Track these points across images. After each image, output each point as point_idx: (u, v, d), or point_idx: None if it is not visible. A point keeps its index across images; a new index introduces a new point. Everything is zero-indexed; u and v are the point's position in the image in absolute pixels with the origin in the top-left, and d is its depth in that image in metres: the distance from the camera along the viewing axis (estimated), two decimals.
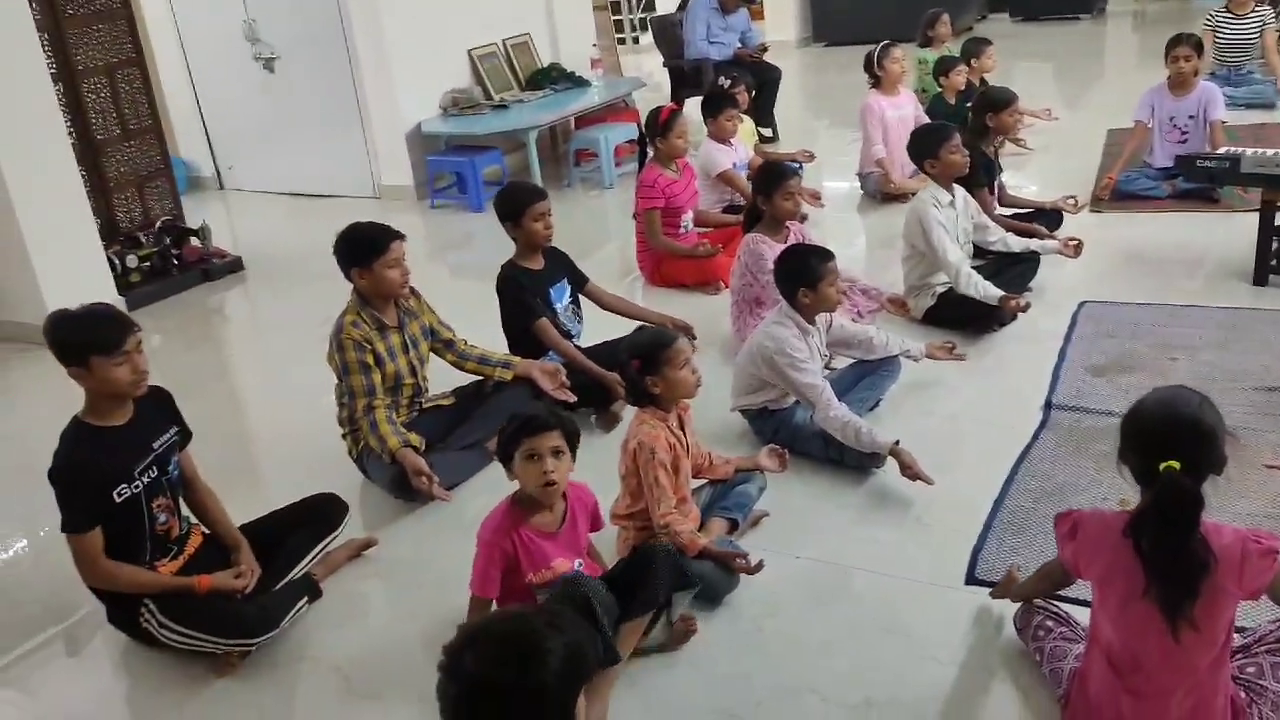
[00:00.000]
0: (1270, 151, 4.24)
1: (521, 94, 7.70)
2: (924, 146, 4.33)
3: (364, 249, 3.28)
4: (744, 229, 4.24)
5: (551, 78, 7.89)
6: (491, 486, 3.47)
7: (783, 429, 3.44)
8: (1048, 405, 3.61)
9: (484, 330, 3.91)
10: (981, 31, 11.94)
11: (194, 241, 6.07)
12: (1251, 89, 7.10)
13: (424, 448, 3.34)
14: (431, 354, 3.61)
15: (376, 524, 3.33)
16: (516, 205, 3.79)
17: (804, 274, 3.33)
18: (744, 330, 4.08)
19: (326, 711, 2.57)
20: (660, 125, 4.99)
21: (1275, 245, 4.36)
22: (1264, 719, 2.05)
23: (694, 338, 4.07)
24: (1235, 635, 2.18)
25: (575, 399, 3.56)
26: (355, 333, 3.26)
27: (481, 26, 7.60)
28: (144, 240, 5.84)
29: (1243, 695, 2.05)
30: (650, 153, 5.14)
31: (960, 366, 3.80)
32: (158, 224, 5.98)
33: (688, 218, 5.16)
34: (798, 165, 6.27)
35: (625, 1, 13.64)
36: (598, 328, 4.06)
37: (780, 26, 12.53)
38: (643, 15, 12.95)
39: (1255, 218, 4.37)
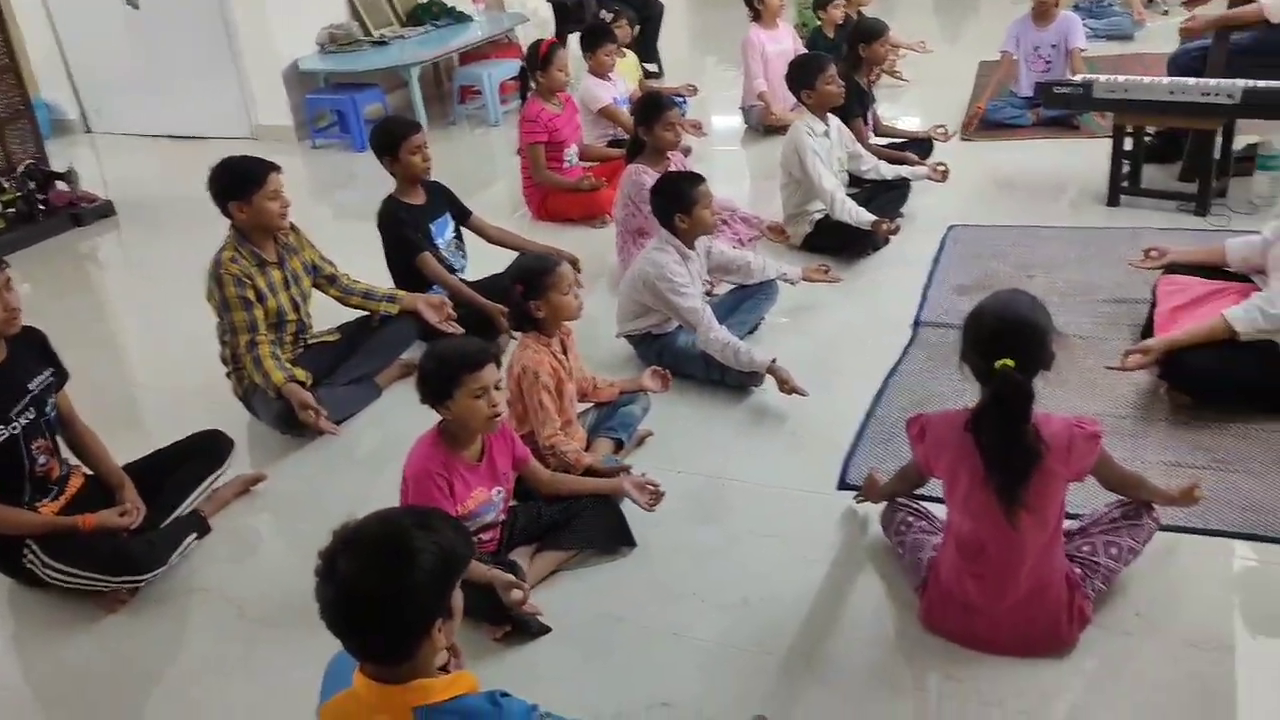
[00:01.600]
0: (1121, 78, 4.46)
1: (402, 30, 7.55)
2: (801, 77, 4.44)
3: (241, 181, 3.23)
4: (626, 161, 4.29)
5: (433, 13, 7.75)
6: (381, 420, 3.53)
7: (666, 352, 3.54)
8: (916, 323, 3.79)
9: (371, 270, 3.89)
10: None
11: (61, 186, 5.84)
12: (1110, 21, 7.41)
13: (310, 383, 3.34)
14: (315, 290, 3.59)
15: (265, 460, 3.34)
16: (392, 138, 3.77)
17: (678, 199, 3.41)
18: (629, 260, 4.15)
19: (220, 639, 2.60)
20: (540, 59, 4.99)
21: (1126, 168, 4.62)
22: (1096, 590, 2.26)
23: (579, 269, 4.14)
24: (1073, 520, 2.39)
25: (462, 331, 3.59)
26: (234, 268, 3.23)
27: None
28: (6, 185, 5.59)
29: (1078, 571, 2.25)
30: (532, 87, 5.13)
31: (836, 289, 3.96)
32: (20, 168, 5.72)
33: (572, 152, 5.18)
34: (682, 99, 6.36)
35: None
36: (485, 262, 4.08)
37: None
38: None
39: (1110, 142, 4.62)
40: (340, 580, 1.48)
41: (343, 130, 7.01)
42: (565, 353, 2.99)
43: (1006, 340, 2.05)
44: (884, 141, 5.36)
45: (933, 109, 6.25)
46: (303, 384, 3.28)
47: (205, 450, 3.04)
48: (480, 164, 6.63)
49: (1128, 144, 4.56)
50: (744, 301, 3.78)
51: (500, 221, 4.55)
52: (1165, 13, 7.98)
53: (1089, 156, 5.09)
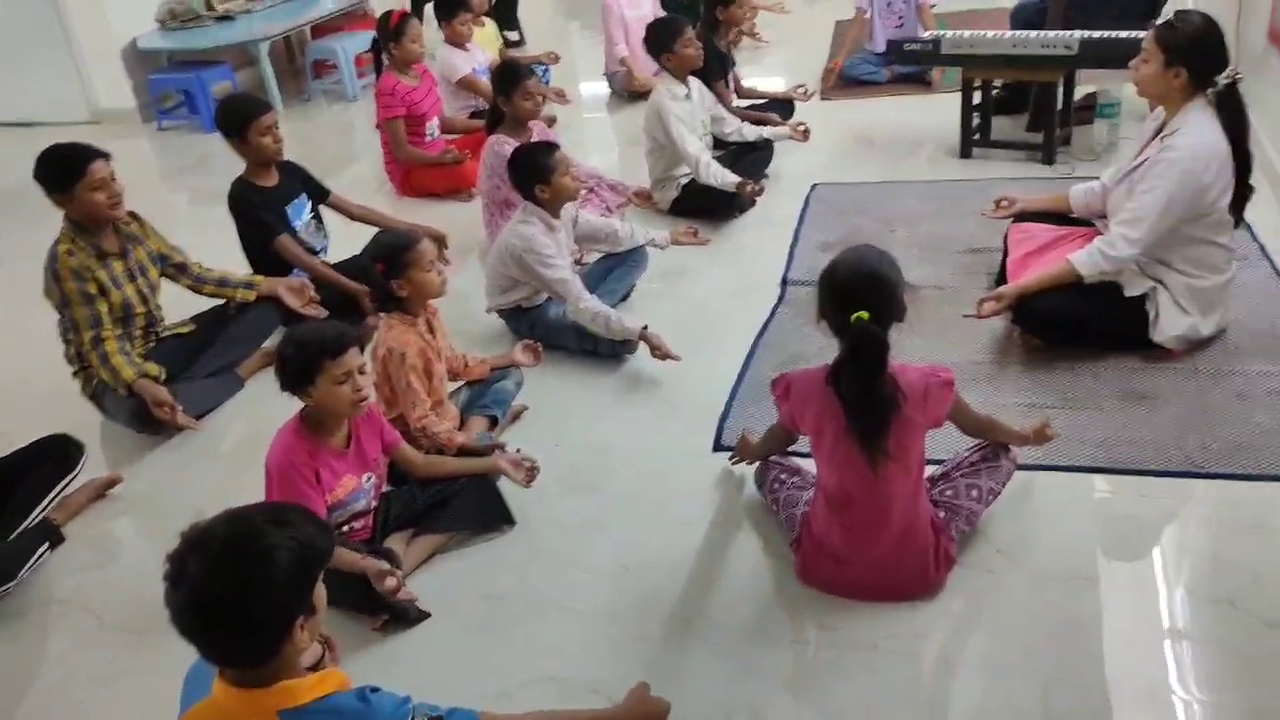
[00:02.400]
0: (968, 34, 4.59)
1: (249, 4, 7.22)
2: (659, 41, 4.42)
3: (61, 173, 3.03)
4: (487, 131, 4.22)
5: None
6: (244, 412, 3.40)
7: (537, 325, 3.50)
8: (784, 282, 3.85)
9: (232, 255, 3.75)
10: None
11: None
12: None
13: (165, 377, 3.19)
14: (167, 280, 3.43)
15: (121, 461, 3.18)
16: (239, 119, 3.60)
17: (535, 170, 3.36)
18: (496, 232, 4.08)
19: (80, 651, 2.47)
20: (391, 31, 4.84)
21: (976, 120, 4.77)
22: (960, 531, 2.34)
23: (446, 246, 4.06)
24: (935, 465, 2.47)
25: (325, 314, 3.48)
26: (71, 261, 3.05)
27: None
28: None
29: (942, 515, 2.32)
30: (386, 60, 4.98)
31: (705, 252, 3.98)
32: None
33: (433, 125, 5.06)
34: (544, 67, 6.27)
35: None
36: (350, 241, 3.95)
37: None
38: None
39: (959, 96, 4.74)
40: (190, 583, 1.41)
41: (191, 111, 6.69)
42: (433, 332, 2.92)
43: (859, 293, 2.09)
44: (746, 103, 5.40)
45: (793, 69, 6.33)
46: (156, 379, 3.13)
47: (53, 455, 2.88)
48: (340, 140, 6.42)
49: (976, 98, 4.70)
50: (614, 270, 3.77)
51: (365, 199, 4.42)
52: None
53: (942, 111, 5.21)
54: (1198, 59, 2.87)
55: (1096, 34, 4.28)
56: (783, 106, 5.36)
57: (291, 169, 3.86)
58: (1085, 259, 2.99)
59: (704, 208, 4.39)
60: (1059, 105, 4.57)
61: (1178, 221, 2.91)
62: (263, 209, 3.67)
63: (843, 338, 2.11)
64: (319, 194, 3.96)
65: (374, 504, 2.56)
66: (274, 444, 2.38)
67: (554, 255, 3.39)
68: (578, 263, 3.75)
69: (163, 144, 6.54)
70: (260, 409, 3.32)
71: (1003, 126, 4.93)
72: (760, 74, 6.30)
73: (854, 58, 5.92)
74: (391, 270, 2.78)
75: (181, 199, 5.76)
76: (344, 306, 3.58)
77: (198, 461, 3.17)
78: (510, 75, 4.07)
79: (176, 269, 3.43)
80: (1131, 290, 3.03)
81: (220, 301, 3.54)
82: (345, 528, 2.48)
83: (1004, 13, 6.69)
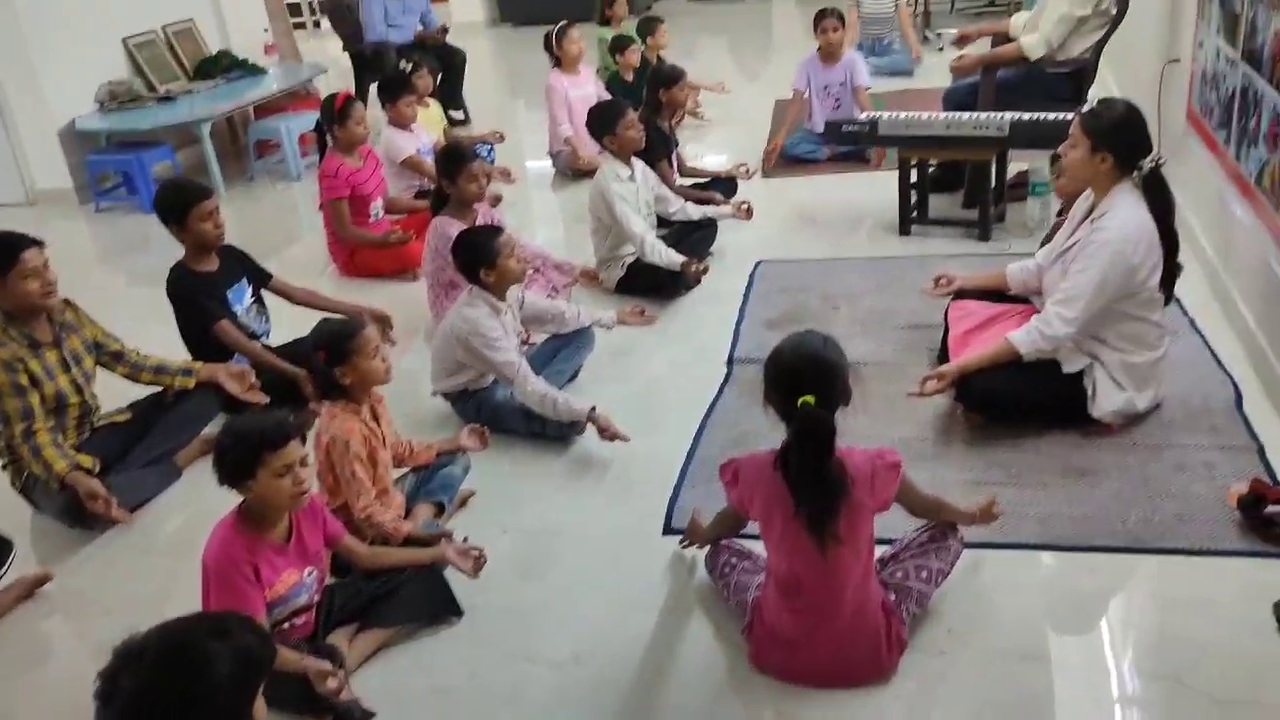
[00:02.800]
0: (903, 115, 4.73)
1: (190, 84, 7.22)
2: (602, 124, 4.49)
3: None
4: (432, 213, 4.23)
5: (223, 66, 7.45)
6: (182, 503, 3.31)
7: (484, 408, 3.48)
8: (730, 360, 3.87)
9: (169, 339, 3.68)
10: (659, 10, 12.43)
11: None
12: (891, 59, 7.87)
13: (99, 469, 3.10)
14: (102, 369, 3.36)
15: (51, 558, 3.07)
16: (179, 206, 3.57)
17: (480, 254, 3.36)
18: (442, 313, 4.06)
19: None
20: (336, 113, 4.86)
21: (914, 198, 4.89)
22: (911, 614, 2.34)
23: (391, 328, 4.04)
24: (884, 546, 2.47)
25: (267, 400, 3.42)
26: (3, 352, 2.97)
27: (136, 13, 7.05)
28: None
29: (892, 597, 2.32)
30: (330, 142, 4.99)
31: (653, 331, 4.00)
32: None
33: (377, 205, 5.06)
34: (488, 146, 6.34)
35: None
36: (293, 324, 3.91)
37: (467, 8, 12.49)
38: None
39: (897, 175, 4.85)
40: (123, 699, 1.35)
41: (129, 191, 6.62)
42: (377, 419, 2.88)
43: (805, 378, 2.11)
44: (689, 182, 5.49)
45: (734, 147, 6.46)
46: (89, 471, 3.04)
47: None
48: (283, 220, 6.39)
49: (914, 175, 4.82)
50: (561, 350, 3.76)
51: (308, 280, 4.39)
52: (940, 50, 8.53)
53: (881, 188, 5.33)
54: (1122, 144, 2.98)
55: (1026, 116, 4.43)
56: (725, 185, 5.47)
57: (232, 253, 3.83)
58: (1024, 337, 3.05)
59: (650, 286, 4.42)
60: (992, 184, 4.71)
61: (1110, 300, 3.00)
62: (202, 295, 3.62)
63: (789, 423, 2.12)
64: (260, 278, 3.92)
65: (316, 599, 2.49)
66: (211, 540, 2.31)
67: (500, 338, 3.38)
68: (524, 343, 3.74)
69: (100, 225, 6.45)
70: (198, 499, 3.23)
71: (939, 204, 5.06)
72: (701, 151, 6.43)
73: (794, 136, 6.06)
74: (334, 358, 2.75)
75: (119, 281, 5.67)
76: (285, 392, 3.53)
77: (133, 556, 3.07)
78: (454, 158, 4.10)
79: (112, 357, 3.36)
80: (1069, 367, 3.10)
81: (158, 389, 3.46)
82: (286, 624, 2.41)
83: (934, 92, 6.95)
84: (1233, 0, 3.72)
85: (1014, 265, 3.51)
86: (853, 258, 4.68)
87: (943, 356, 3.51)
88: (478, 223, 4.13)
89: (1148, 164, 2.98)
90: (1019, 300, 3.46)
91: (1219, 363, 3.44)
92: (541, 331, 3.83)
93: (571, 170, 6.26)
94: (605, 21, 7.50)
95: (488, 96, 8.99)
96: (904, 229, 4.85)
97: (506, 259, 3.37)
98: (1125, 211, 2.97)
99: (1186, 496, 2.80)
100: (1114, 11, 4.67)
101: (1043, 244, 3.61)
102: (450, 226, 4.02)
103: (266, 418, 2.40)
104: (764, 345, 3.92)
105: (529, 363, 3.43)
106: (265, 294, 3.95)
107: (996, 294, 3.51)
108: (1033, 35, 4.73)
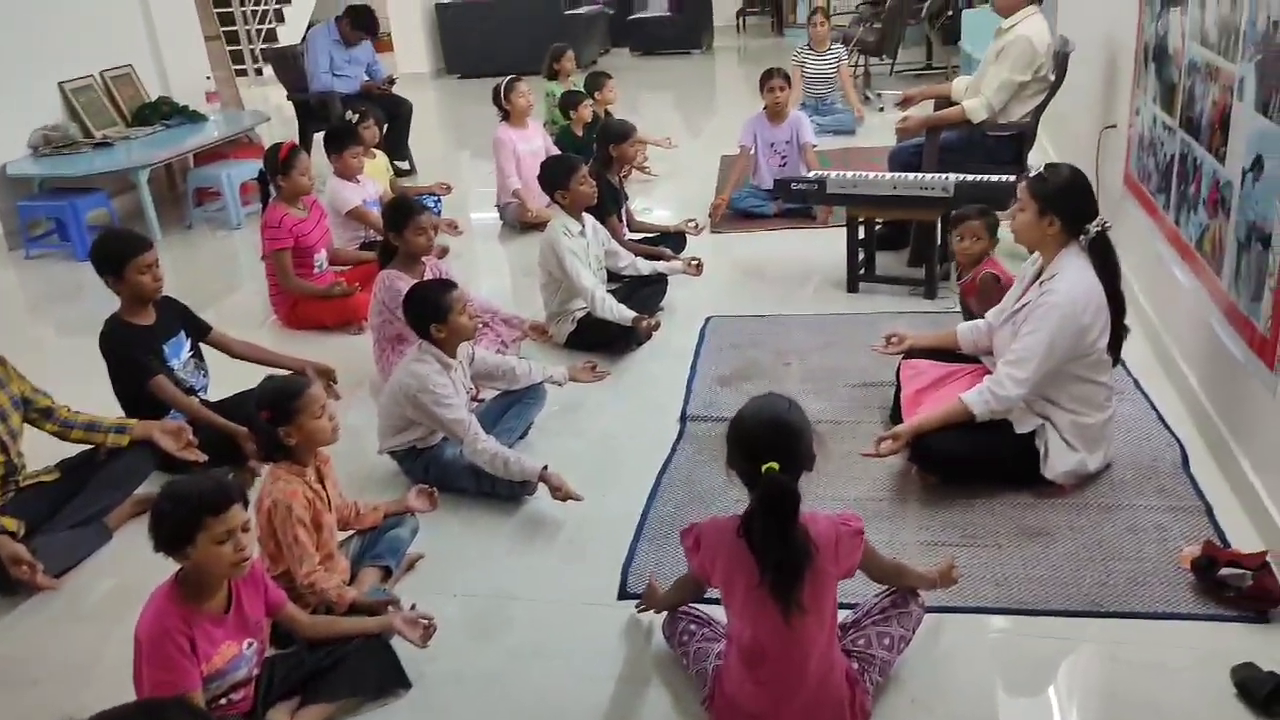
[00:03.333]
0: (850, 174, 4.79)
1: (128, 130, 7.08)
2: (554, 178, 4.47)
3: None
4: (379, 265, 4.16)
5: (162, 112, 7.33)
6: (112, 567, 3.17)
7: (433, 466, 3.39)
8: (683, 417, 3.84)
9: (103, 395, 3.55)
10: (605, 64, 12.59)
11: None
12: (835, 117, 8.01)
13: (24, 532, 2.95)
14: (30, 425, 3.21)
15: None
16: (116, 258, 3.45)
17: (430, 310, 3.30)
18: (388, 369, 3.99)
19: None
20: (280, 163, 4.78)
21: (861, 255, 4.94)
22: (874, 683, 2.30)
23: (335, 381, 3.94)
24: (847, 610, 2.44)
25: (205, 458, 3.30)
26: None
27: (73, 57, 6.92)
28: None
29: (855, 667, 2.28)
30: (273, 192, 4.90)
31: (604, 387, 3.95)
32: None
33: (321, 257, 4.98)
34: (436, 198, 6.29)
35: (244, 32, 12.95)
36: (234, 378, 3.79)
37: (413, 59, 12.50)
38: (264, 46, 12.36)
39: (845, 232, 4.90)
40: None
41: (62, 238, 6.44)
42: (322, 481, 2.79)
43: (768, 443, 2.07)
44: (639, 236, 5.50)
45: (682, 202, 6.50)
46: (13, 534, 2.89)
47: None
48: (224, 270, 6.25)
49: (861, 233, 4.87)
50: (511, 407, 3.70)
51: (249, 331, 4.28)
52: (881, 110, 8.73)
53: (828, 245, 5.39)
54: (1069, 208, 3.03)
55: (970, 177, 4.52)
56: (674, 240, 5.48)
57: (170, 305, 3.72)
58: (976, 398, 3.06)
59: (600, 342, 4.39)
60: (938, 242, 4.78)
61: (1060, 362, 3.03)
62: (137, 348, 3.50)
63: (753, 488, 2.08)
64: (199, 331, 3.81)
65: (256, 671, 2.37)
66: (145, 611, 2.19)
67: (450, 395, 3.31)
68: (474, 399, 3.67)
69: (30, 273, 6.25)
70: (131, 562, 3.10)
71: (886, 262, 5.12)
72: (650, 205, 6.46)
73: (741, 191, 6.11)
74: (278, 417, 2.65)
75: (49, 332, 5.47)
76: (224, 449, 3.41)
77: (59, 625, 2.91)
78: (402, 211, 4.04)
79: (41, 413, 3.22)
80: (1021, 428, 3.11)
81: (90, 447, 3.32)
82: (224, 699, 2.28)
83: (878, 150, 7.09)
84: (1169, 70, 3.85)
85: (964, 325, 3.55)
86: (802, 314, 4.70)
87: (895, 414, 3.52)
88: (426, 276, 4.08)
89: (1094, 228, 3.03)
90: (969, 360, 3.49)
91: (1164, 423, 3.49)
92: (491, 387, 3.76)
93: (519, 223, 6.23)
94: (553, 76, 7.54)
95: (433, 147, 8.96)
96: (852, 286, 4.89)
97: (458, 315, 3.31)
98: (1073, 274, 3.01)
99: (1140, 559, 2.82)
100: (1052, 78, 4.80)
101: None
102: (398, 280, 3.96)
103: (206, 479, 2.29)
104: (716, 402, 3.93)
105: (479, 420, 3.36)
106: (204, 346, 3.83)
107: (947, 353, 3.53)
108: (975, 99, 4.84)
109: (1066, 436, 3.09)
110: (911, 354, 3.60)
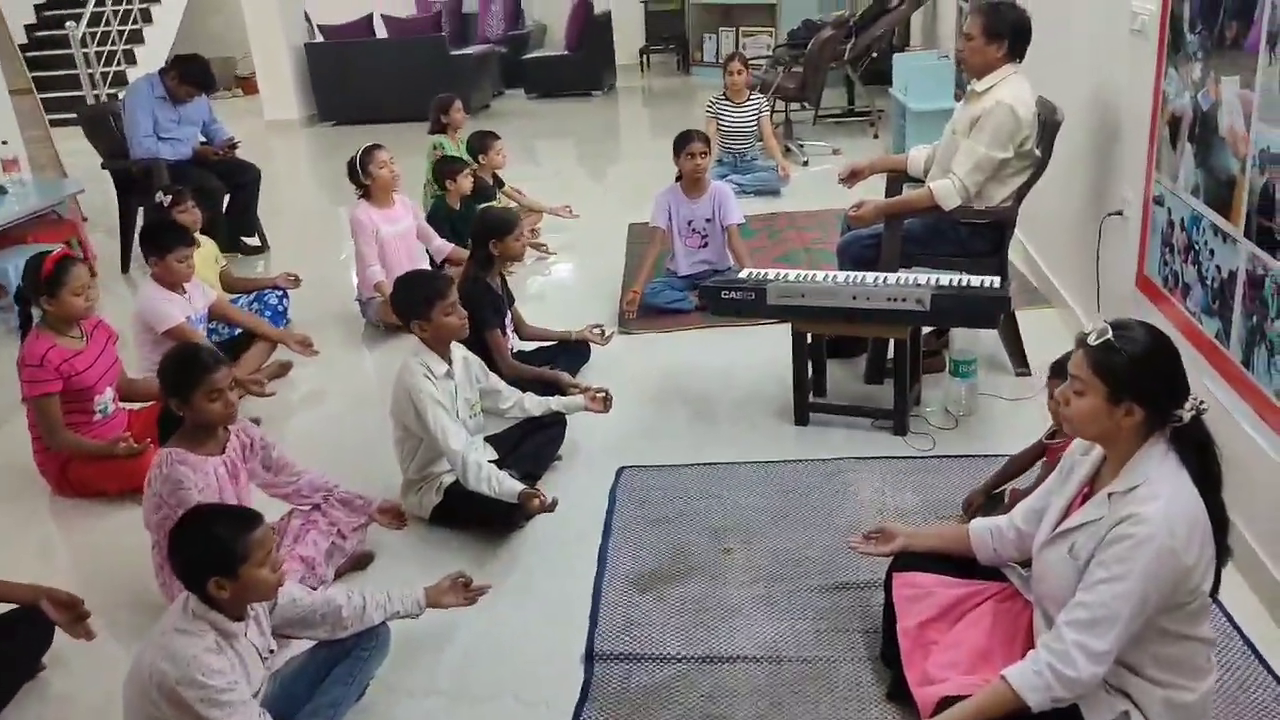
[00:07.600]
0: (793, 276, 3.76)
1: None
2: (409, 306, 3.30)
3: None
4: (157, 441, 2.97)
5: None
6: None
7: None
8: (589, 656, 2.71)
9: None
10: (498, 109, 11.55)
11: None
12: (757, 176, 7.05)
13: None
14: None
15: None
16: None
17: (212, 563, 2.14)
18: (173, 592, 2.79)
19: None
20: (44, 281, 3.53)
21: (811, 376, 3.91)
22: None
23: (88, 614, 2.73)
24: None
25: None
26: None
27: None
28: None
29: None
30: (35, 316, 3.66)
31: (474, 609, 2.81)
32: None
33: (104, 399, 3.71)
34: (281, 292, 5.11)
35: (87, 77, 11.39)
36: None
37: (280, 105, 11.20)
38: (110, 91, 10.86)
39: (788, 329, 3.83)
40: None
41: None
42: None
43: None
44: (532, 347, 4.40)
45: (586, 283, 5.47)
46: None
47: None
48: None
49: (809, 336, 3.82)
50: (339, 663, 2.53)
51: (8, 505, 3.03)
52: (805, 163, 7.82)
53: (766, 350, 4.37)
54: (1154, 389, 2.04)
55: (950, 283, 3.53)
56: (575, 352, 4.40)
57: None
58: (1032, 682, 2.03)
59: (476, 517, 3.27)
60: (919, 355, 3.79)
61: (1152, 617, 2.02)
62: None
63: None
64: None
65: None
66: None
67: (232, 683, 2.14)
68: (270, 654, 2.49)
69: None
70: None
71: (838, 375, 4.12)
72: (549, 292, 5.41)
73: (655, 284, 5.05)
74: None
75: None
76: None
77: None
78: (187, 369, 2.82)
79: None
80: (1095, 716, 2.09)
81: None
82: None
83: (805, 215, 6.22)
84: (1222, 158, 2.90)
85: (977, 524, 2.52)
86: (740, 461, 3.63)
87: (889, 649, 2.50)
88: (226, 454, 2.91)
89: (1187, 412, 2.04)
90: (987, 571, 2.48)
91: (1264, 663, 2.50)
92: (310, 638, 2.59)
93: (384, 324, 5.05)
94: (439, 129, 6.42)
95: (294, 214, 7.70)
96: (800, 418, 3.85)
97: (255, 567, 2.16)
98: (1168, 490, 2.01)
99: None
100: (1039, 153, 3.85)
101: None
102: (179, 471, 2.76)
103: None
104: (633, 627, 2.79)
105: (289, 688, 2.20)
106: None
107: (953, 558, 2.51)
108: (945, 180, 3.86)
109: None
110: (904, 558, 2.57)
